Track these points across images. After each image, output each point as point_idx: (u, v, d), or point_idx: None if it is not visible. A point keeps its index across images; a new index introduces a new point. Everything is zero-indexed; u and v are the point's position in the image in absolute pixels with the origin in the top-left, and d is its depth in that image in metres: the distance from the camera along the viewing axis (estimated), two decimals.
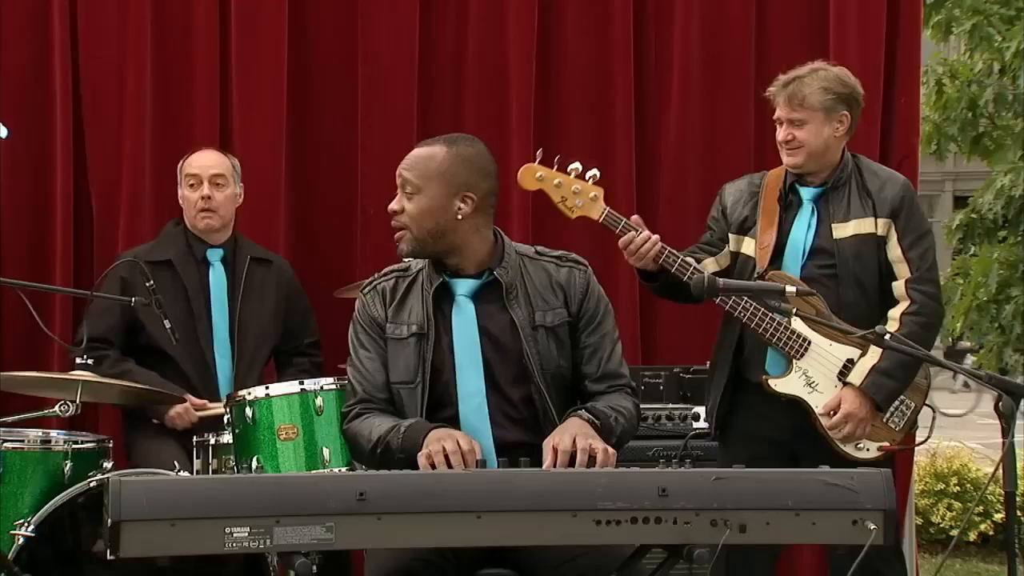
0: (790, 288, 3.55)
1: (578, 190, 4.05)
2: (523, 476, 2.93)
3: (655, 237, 4.09)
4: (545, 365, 3.41)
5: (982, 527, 7.77)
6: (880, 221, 4.16)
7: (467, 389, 3.37)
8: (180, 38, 5.20)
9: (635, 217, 4.15)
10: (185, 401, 4.48)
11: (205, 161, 4.71)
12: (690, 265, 4.10)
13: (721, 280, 3.66)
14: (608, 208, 4.08)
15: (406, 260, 3.54)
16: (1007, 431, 3.10)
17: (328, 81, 5.30)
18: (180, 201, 4.74)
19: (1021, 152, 8.43)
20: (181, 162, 4.76)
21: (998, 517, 7.67)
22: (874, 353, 4.07)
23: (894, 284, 4.16)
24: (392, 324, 3.43)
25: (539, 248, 3.55)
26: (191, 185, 4.68)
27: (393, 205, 3.42)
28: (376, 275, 3.55)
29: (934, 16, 8.42)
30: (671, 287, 4.17)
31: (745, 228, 4.26)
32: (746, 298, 4.07)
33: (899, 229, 4.16)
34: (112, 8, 5.17)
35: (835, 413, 4.07)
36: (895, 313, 4.12)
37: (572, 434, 3.20)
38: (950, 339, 10.85)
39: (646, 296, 5.24)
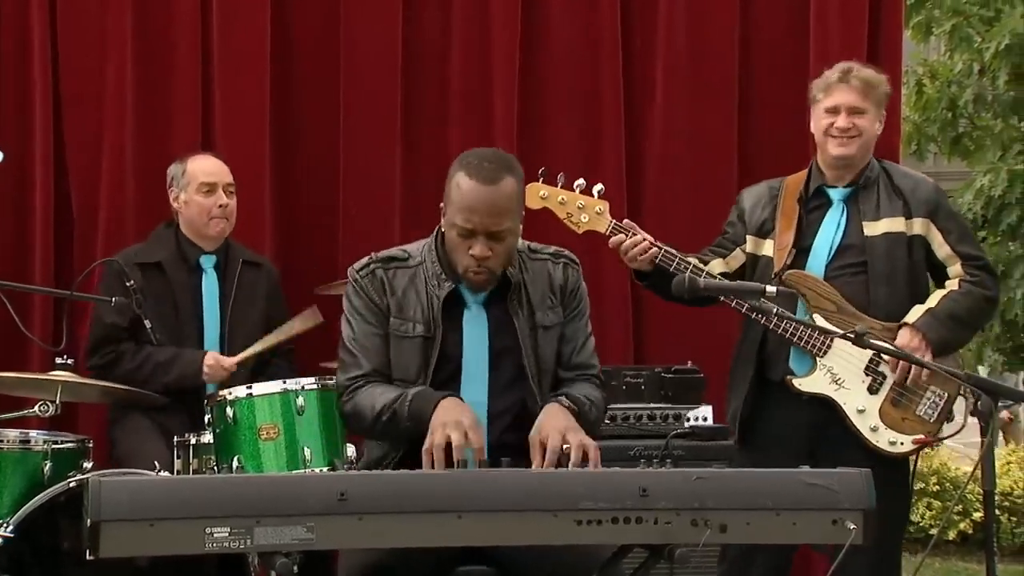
0: (770, 288, 3.55)
1: (583, 205, 4.05)
2: (504, 476, 2.94)
3: (648, 239, 4.09)
4: (542, 368, 3.44)
5: (961, 526, 7.83)
6: (916, 221, 4.19)
7: (470, 398, 3.36)
8: (161, 37, 5.17)
9: (626, 221, 4.15)
10: (166, 402, 4.47)
11: (218, 168, 4.71)
12: (675, 257, 4.09)
13: (702, 280, 3.66)
14: (614, 220, 4.08)
15: (405, 249, 3.49)
16: (986, 431, 3.12)
17: (311, 81, 5.28)
18: (179, 205, 4.68)
19: (1001, 152, 8.47)
20: (181, 166, 4.70)
21: (977, 516, 7.72)
22: (930, 301, 4.14)
23: (949, 269, 4.20)
24: (397, 319, 3.41)
25: (532, 245, 3.54)
26: (206, 192, 4.64)
27: (482, 252, 3.30)
28: (372, 257, 3.48)
29: (914, 16, 8.46)
30: (662, 285, 4.13)
31: (764, 231, 4.29)
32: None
33: (940, 227, 4.20)
34: (92, 5, 5.15)
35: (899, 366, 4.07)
36: (952, 281, 4.18)
37: (560, 430, 3.22)
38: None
39: (637, 296, 5.24)
